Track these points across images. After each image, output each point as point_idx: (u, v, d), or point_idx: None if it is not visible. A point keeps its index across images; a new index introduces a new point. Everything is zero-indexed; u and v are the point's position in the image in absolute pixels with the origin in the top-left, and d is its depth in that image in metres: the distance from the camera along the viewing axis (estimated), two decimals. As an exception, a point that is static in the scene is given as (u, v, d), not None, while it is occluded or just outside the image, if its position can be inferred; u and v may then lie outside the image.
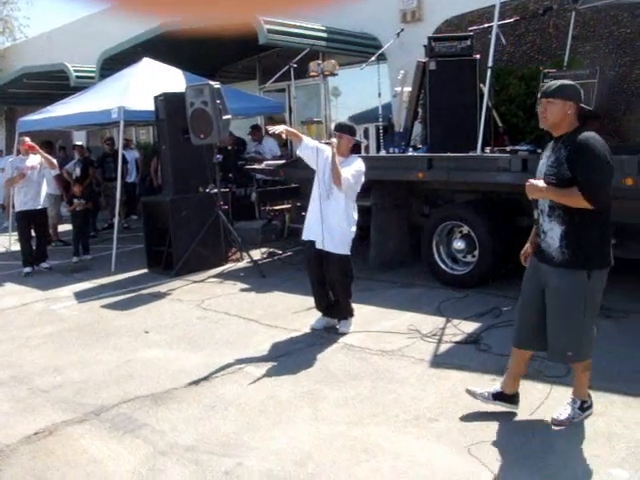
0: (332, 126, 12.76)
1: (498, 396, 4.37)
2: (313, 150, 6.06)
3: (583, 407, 4.19)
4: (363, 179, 6.09)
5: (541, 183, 3.94)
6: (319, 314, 6.38)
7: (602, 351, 5.18)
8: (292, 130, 6.23)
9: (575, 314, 3.97)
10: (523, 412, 4.36)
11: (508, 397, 4.36)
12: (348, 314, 6.26)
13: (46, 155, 9.96)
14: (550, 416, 4.21)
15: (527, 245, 4.40)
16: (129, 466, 3.98)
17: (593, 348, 4.16)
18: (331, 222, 6.00)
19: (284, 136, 6.27)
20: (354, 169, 5.97)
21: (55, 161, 10.30)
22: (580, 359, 4.11)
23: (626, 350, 5.33)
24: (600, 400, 4.39)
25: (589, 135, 3.85)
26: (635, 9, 10.07)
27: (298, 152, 6.19)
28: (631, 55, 10.17)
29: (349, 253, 6.12)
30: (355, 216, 6.16)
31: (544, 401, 4.46)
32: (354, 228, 6.16)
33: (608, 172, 3.86)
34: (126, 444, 4.26)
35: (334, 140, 5.95)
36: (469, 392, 4.46)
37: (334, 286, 6.20)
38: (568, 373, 4.67)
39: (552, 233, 3.97)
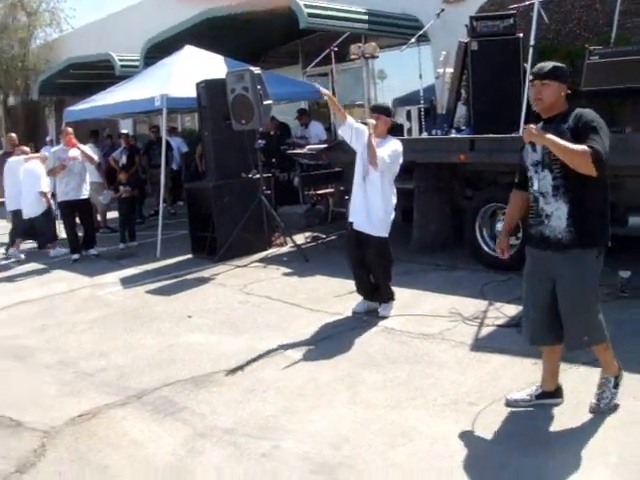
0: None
1: (541, 396, 4.27)
2: (353, 130, 6.06)
3: (617, 383, 4.09)
4: (401, 160, 6.05)
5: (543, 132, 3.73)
6: (360, 298, 6.37)
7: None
8: (336, 103, 6.27)
9: (588, 296, 3.91)
10: (567, 397, 4.30)
11: (551, 393, 4.27)
12: (388, 297, 6.24)
13: (85, 150, 10.08)
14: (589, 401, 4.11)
15: (502, 238, 4.35)
16: (169, 448, 4.04)
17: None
18: (368, 204, 6.00)
19: (328, 102, 6.36)
20: (391, 149, 5.93)
21: (95, 156, 10.44)
22: (597, 341, 4.01)
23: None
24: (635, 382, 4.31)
25: (586, 110, 3.80)
26: (685, -18, 9.79)
27: (340, 131, 6.25)
28: (681, 29, 9.90)
29: (387, 236, 6.09)
30: (394, 199, 6.13)
31: (582, 387, 4.38)
32: (393, 211, 6.13)
33: (609, 143, 3.71)
34: (166, 426, 4.33)
35: (371, 121, 5.93)
36: (509, 403, 4.26)
37: (373, 269, 6.20)
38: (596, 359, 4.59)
39: (559, 213, 3.84)
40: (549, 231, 3.90)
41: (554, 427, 3.95)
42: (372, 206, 6.00)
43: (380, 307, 6.23)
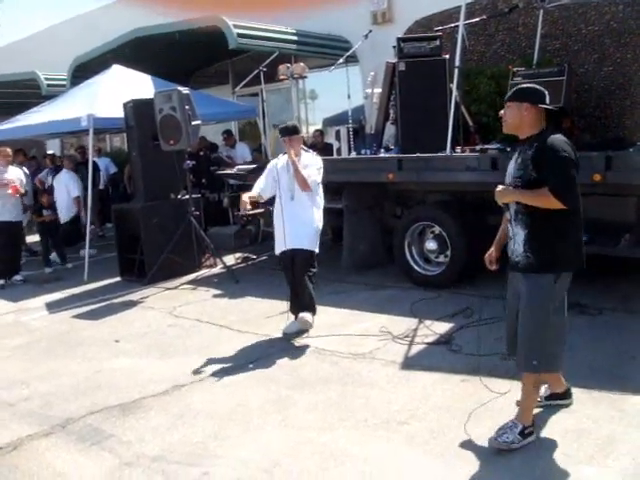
0: (307, 130, 12.81)
1: (550, 397, 4.36)
2: (268, 179, 6.23)
3: (524, 433, 3.94)
4: (322, 170, 6.18)
5: (509, 188, 3.90)
6: (292, 318, 6.32)
7: (574, 348, 5.20)
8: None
9: (541, 320, 3.87)
10: (491, 413, 4.34)
11: (560, 395, 4.37)
12: (312, 307, 6.21)
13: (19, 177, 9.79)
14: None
15: (492, 249, 4.39)
16: (94, 479, 3.91)
17: (561, 360, 4.09)
18: (300, 220, 6.03)
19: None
20: (315, 167, 6.06)
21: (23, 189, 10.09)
22: (546, 368, 3.99)
23: (598, 346, 5.33)
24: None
25: (554, 137, 3.80)
26: (602, 7, 10.13)
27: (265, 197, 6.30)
28: (599, 52, 10.23)
29: (316, 250, 6.16)
30: (321, 209, 6.24)
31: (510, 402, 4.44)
32: (321, 223, 6.22)
33: (574, 171, 3.76)
34: (92, 456, 4.19)
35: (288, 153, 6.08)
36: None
37: (299, 279, 6.15)
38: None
39: (517, 238, 3.91)
40: (511, 252, 3.99)
41: (484, 443, 3.97)
42: (302, 222, 6.04)
43: (302, 314, 6.18)
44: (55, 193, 11.23)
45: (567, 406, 4.34)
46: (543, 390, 4.37)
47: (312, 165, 6.04)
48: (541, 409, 4.30)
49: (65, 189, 11.32)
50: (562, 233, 3.82)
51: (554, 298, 3.88)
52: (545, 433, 4.04)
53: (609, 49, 10.16)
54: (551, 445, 3.90)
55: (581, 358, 5.06)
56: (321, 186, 6.22)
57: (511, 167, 3.97)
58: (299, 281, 6.15)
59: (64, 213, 11.22)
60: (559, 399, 4.36)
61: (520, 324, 3.94)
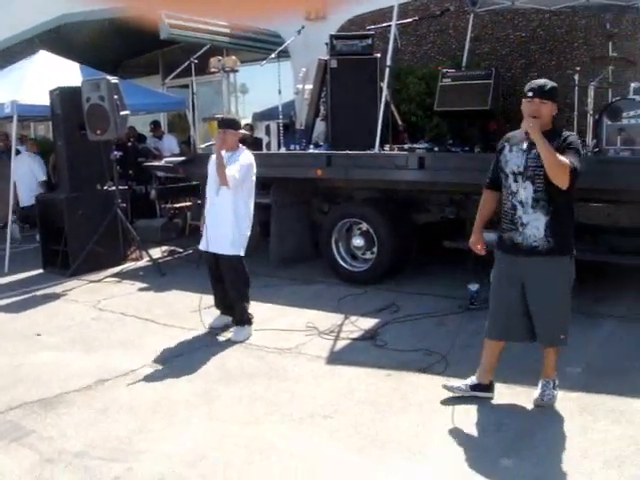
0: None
1: (476, 387, 4.53)
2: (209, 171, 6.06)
3: (555, 386, 4.43)
4: (254, 173, 5.95)
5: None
6: (218, 312, 6.30)
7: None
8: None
9: (564, 298, 4.26)
10: (414, 407, 4.45)
11: (485, 386, 4.53)
12: (243, 320, 6.04)
13: None
14: (533, 398, 4.41)
15: (476, 235, 4.58)
16: (13, 476, 3.82)
17: None
18: (219, 222, 5.90)
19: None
20: (240, 164, 5.81)
21: None
22: (566, 342, 4.36)
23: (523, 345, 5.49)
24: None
25: (572, 133, 4.23)
26: (530, 14, 10.42)
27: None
28: (526, 58, 10.51)
29: (241, 255, 5.96)
30: (248, 215, 6.01)
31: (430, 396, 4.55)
32: (248, 229, 6.02)
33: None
34: (11, 453, 4.09)
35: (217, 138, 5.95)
36: (446, 387, 4.59)
37: (228, 288, 6.06)
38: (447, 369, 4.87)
39: (537, 223, 4.14)
40: (522, 239, 4.20)
41: (405, 437, 4.05)
42: (222, 224, 5.88)
43: (234, 329, 6.08)
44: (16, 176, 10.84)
45: (490, 399, 4.50)
46: (471, 379, 4.55)
47: (238, 162, 5.83)
48: (461, 402, 4.45)
49: (30, 172, 11.16)
50: (571, 219, 4.26)
51: (572, 276, 4.28)
52: (465, 427, 4.17)
53: (535, 55, 10.46)
54: (471, 439, 4.03)
55: (506, 355, 5.21)
56: (251, 187, 6.01)
57: (520, 157, 4.17)
58: (229, 292, 6.06)
59: (26, 197, 11.03)
60: (483, 391, 4.52)
61: (544, 306, 4.24)
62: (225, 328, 6.18)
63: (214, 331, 6.16)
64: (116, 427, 4.35)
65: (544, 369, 4.47)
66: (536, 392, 4.42)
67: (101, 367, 5.39)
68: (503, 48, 10.77)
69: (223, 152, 5.76)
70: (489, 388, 4.54)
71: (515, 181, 4.21)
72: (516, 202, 4.21)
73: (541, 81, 4.20)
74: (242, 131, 6.19)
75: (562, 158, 3.95)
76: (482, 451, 3.87)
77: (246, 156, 5.92)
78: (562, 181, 3.97)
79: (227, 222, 5.87)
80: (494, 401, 4.49)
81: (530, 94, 4.13)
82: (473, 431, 4.12)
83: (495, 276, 4.45)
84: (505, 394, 4.58)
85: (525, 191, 4.16)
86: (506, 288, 4.34)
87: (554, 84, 4.21)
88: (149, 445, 4.10)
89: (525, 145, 4.16)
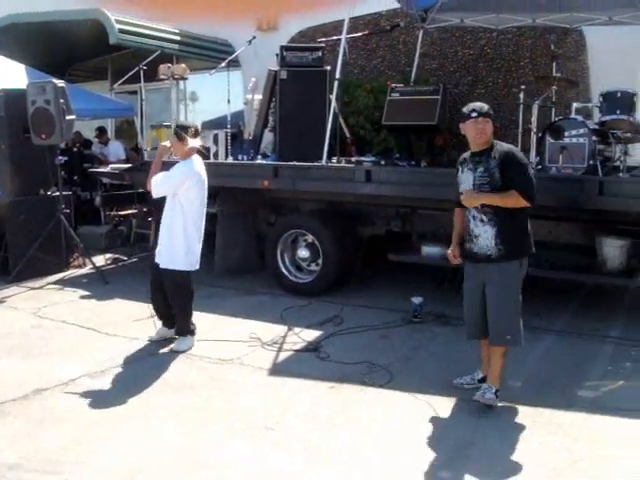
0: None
1: (483, 380, 4.82)
2: None
3: (497, 394, 4.60)
4: (188, 183, 5.72)
5: (476, 192, 4.50)
6: (160, 323, 6.22)
7: (436, 356, 5.44)
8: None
9: (513, 300, 4.56)
10: (356, 420, 4.46)
11: (484, 380, 4.82)
12: (184, 332, 5.97)
13: None
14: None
15: (453, 246, 4.91)
16: (-57, 488, 3.73)
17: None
18: (161, 233, 5.88)
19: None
20: (170, 171, 5.74)
21: None
22: (516, 342, 4.61)
23: (459, 355, 5.57)
24: (425, 404, 4.61)
25: (511, 147, 4.60)
26: (478, 32, 10.62)
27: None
28: (473, 75, 10.71)
29: (179, 268, 5.83)
30: (191, 229, 5.84)
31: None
32: (193, 245, 5.88)
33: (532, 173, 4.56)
34: (-58, 464, 3.99)
35: (164, 143, 5.95)
36: (456, 385, 4.93)
37: (170, 300, 5.97)
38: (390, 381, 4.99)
39: (486, 235, 4.51)
40: (477, 248, 4.59)
41: (349, 448, 4.07)
42: (163, 235, 5.85)
43: (176, 340, 6.00)
44: None
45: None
46: (476, 373, 4.94)
47: (172, 169, 5.76)
48: (403, 414, 4.47)
49: None
50: (522, 226, 4.60)
51: (520, 279, 4.61)
52: (407, 439, 4.20)
53: (482, 72, 10.67)
54: (411, 451, 4.06)
55: (446, 365, 5.30)
56: (198, 200, 5.85)
57: (469, 176, 4.57)
58: (170, 302, 5.99)
59: None
60: (483, 382, 4.78)
61: (494, 305, 4.56)
62: (166, 340, 6.10)
63: (156, 341, 6.08)
64: (53, 438, 4.27)
65: (489, 374, 4.70)
66: (478, 392, 4.64)
67: (39, 376, 5.28)
68: (451, 65, 10.95)
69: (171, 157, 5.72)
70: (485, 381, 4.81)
71: None
72: (470, 216, 4.62)
73: (478, 104, 4.62)
74: (192, 142, 5.83)
75: (511, 195, 4.38)
76: (422, 463, 3.90)
77: (183, 166, 5.77)
78: (523, 205, 4.43)
79: (167, 236, 5.83)
80: (435, 413, 4.54)
81: (474, 114, 4.49)
82: (414, 443, 4.16)
83: (464, 282, 4.83)
84: (446, 406, 4.65)
85: (475, 207, 4.54)
86: (471, 293, 4.73)
87: (484, 104, 4.62)
88: (87, 457, 4.03)
89: (470, 164, 4.56)
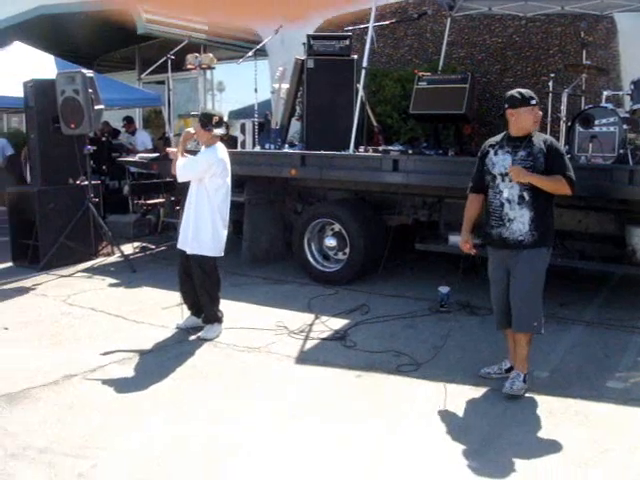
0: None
1: (510, 369, 4.84)
2: None
3: (525, 380, 4.66)
4: (214, 169, 5.74)
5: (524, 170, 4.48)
6: (188, 311, 6.26)
7: (465, 347, 5.42)
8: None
9: (539, 287, 4.60)
10: (384, 409, 4.46)
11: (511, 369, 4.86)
12: (212, 319, 6.01)
13: None
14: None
15: (466, 236, 4.87)
16: (-24, 471, 3.79)
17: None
18: (188, 220, 5.91)
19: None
20: (195, 158, 5.82)
21: None
22: (540, 329, 4.63)
23: (486, 345, 5.55)
24: (451, 394, 4.59)
25: (550, 136, 4.72)
26: (506, 20, 10.48)
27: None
28: (502, 63, 10.57)
29: (206, 254, 5.86)
30: (221, 218, 5.90)
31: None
32: (221, 230, 5.91)
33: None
34: (-26, 448, 4.06)
35: (189, 129, 5.96)
36: (482, 375, 4.93)
37: (197, 288, 5.98)
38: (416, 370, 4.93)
39: (522, 219, 4.52)
40: (509, 233, 4.57)
41: (378, 440, 4.06)
42: (190, 222, 5.87)
43: (204, 328, 6.03)
44: None
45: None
46: (504, 363, 4.94)
47: (197, 156, 5.83)
48: (429, 405, 4.47)
49: None
50: (552, 213, 4.67)
51: (546, 265, 4.64)
52: (433, 430, 4.19)
53: (511, 61, 10.52)
54: (438, 441, 4.05)
55: (471, 355, 5.28)
56: (224, 187, 5.88)
57: (507, 158, 4.56)
58: (198, 291, 5.99)
59: None
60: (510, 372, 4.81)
61: (522, 292, 4.58)
62: (194, 329, 6.13)
63: (183, 329, 6.13)
64: (82, 423, 4.32)
65: (516, 361, 4.71)
66: (506, 382, 4.62)
67: (68, 362, 5.34)
68: (479, 53, 10.83)
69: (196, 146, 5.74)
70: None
71: (502, 181, 4.57)
72: (503, 200, 4.58)
73: (529, 91, 4.62)
74: (215, 130, 5.84)
75: (557, 180, 4.46)
76: (449, 453, 3.89)
77: (208, 153, 5.81)
78: (564, 193, 4.52)
79: (195, 222, 5.86)
80: (462, 403, 4.53)
81: (533, 102, 4.55)
82: (440, 433, 4.14)
83: (490, 271, 4.83)
84: (472, 396, 4.63)
85: (512, 190, 4.53)
86: (499, 281, 4.72)
87: (528, 91, 4.64)
88: (114, 442, 4.07)
89: (510, 148, 4.56)
